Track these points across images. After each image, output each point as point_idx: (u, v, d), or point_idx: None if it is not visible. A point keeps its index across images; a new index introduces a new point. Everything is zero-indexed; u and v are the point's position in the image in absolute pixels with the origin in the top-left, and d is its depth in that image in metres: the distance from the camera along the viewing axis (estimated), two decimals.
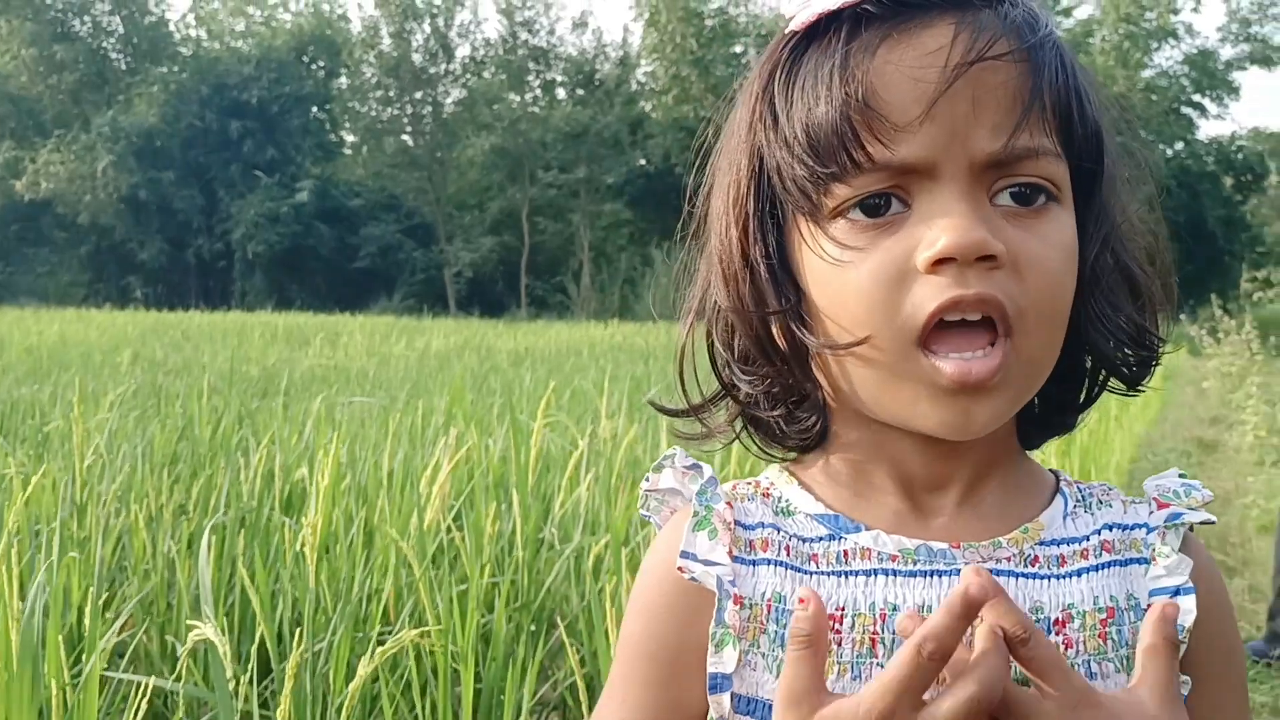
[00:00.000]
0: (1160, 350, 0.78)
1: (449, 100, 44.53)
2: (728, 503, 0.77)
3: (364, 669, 1.71)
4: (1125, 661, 0.71)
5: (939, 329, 0.67)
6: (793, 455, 0.82)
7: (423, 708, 2.39)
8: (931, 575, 0.72)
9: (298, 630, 1.95)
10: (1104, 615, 0.72)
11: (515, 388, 8.45)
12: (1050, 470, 0.81)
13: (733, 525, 0.76)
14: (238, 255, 43.51)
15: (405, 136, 44.68)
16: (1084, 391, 0.79)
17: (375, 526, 3.19)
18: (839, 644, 0.71)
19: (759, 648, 0.72)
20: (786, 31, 0.74)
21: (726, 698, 0.72)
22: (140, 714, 1.82)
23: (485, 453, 4.08)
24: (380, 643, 2.64)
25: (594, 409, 5.98)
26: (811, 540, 0.75)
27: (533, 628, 3.00)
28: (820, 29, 0.71)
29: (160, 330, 18.41)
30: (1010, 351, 0.67)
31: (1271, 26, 37.40)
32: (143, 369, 10.28)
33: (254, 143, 44.23)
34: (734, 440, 0.82)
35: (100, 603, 2.64)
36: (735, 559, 0.74)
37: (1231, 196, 39.05)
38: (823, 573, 0.73)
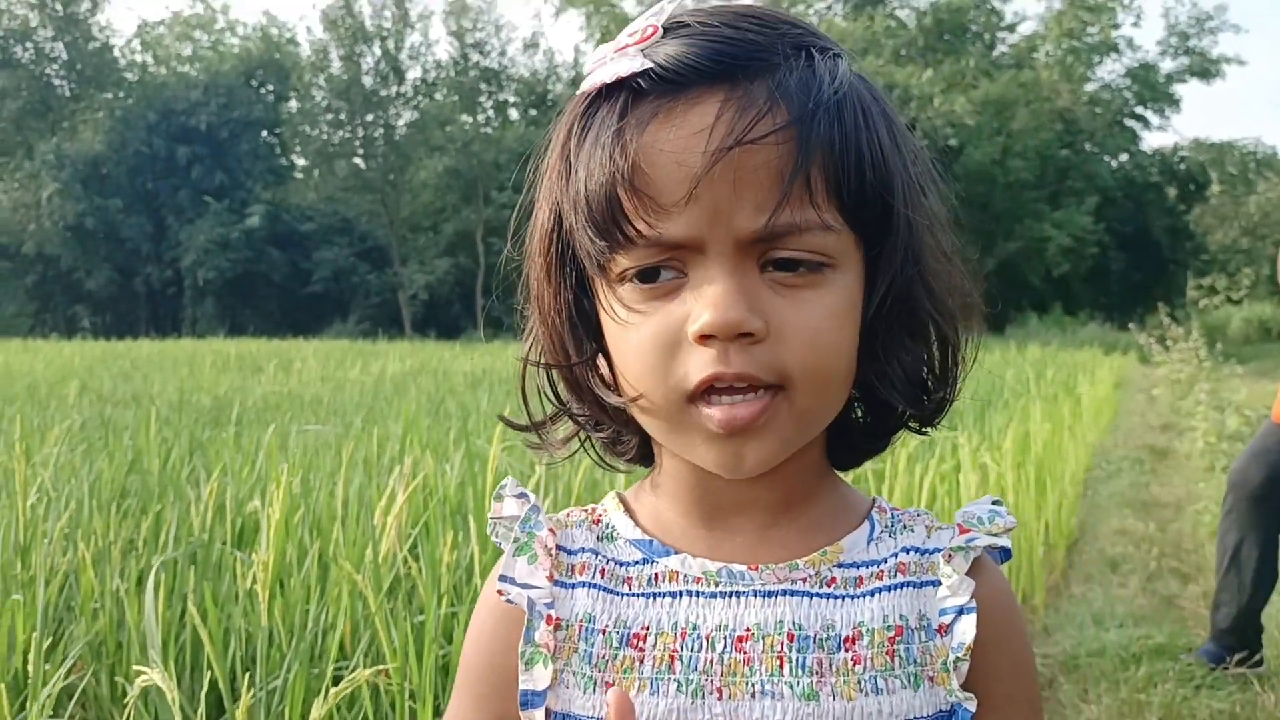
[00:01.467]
0: (949, 396, 0.80)
1: (401, 122, 44.38)
2: (550, 529, 0.81)
3: (318, 711, 1.67)
4: (912, 679, 0.75)
5: (710, 389, 0.71)
6: (630, 467, 0.86)
7: None
8: (731, 596, 0.76)
9: (251, 669, 1.90)
10: (892, 633, 0.75)
11: (472, 411, 8.38)
12: (872, 498, 0.84)
13: (554, 551, 0.80)
14: (188, 282, 43.01)
15: (357, 159, 44.43)
16: (888, 421, 0.81)
17: (330, 559, 3.13)
18: (641, 661, 0.75)
19: (571, 666, 0.77)
20: (579, 93, 0.76)
21: (540, 714, 0.77)
22: None
23: (442, 479, 4.03)
24: (336, 679, 2.59)
25: None
26: (628, 564, 0.79)
27: None
28: (607, 92, 0.73)
29: (109, 360, 18.09)
30: (779, 402, 0.71)
31: (1209, 40, 38.17)
32: (90, 401, 10.09)
33: (203, 168, 43.77)
34: (575, 454, 0.86)
35: (46, 646, 2.57)
36: (556, 583, 0.79)
37: (1175, 206, 39.84)
38: (634, 594, 0.78)
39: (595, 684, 0.75)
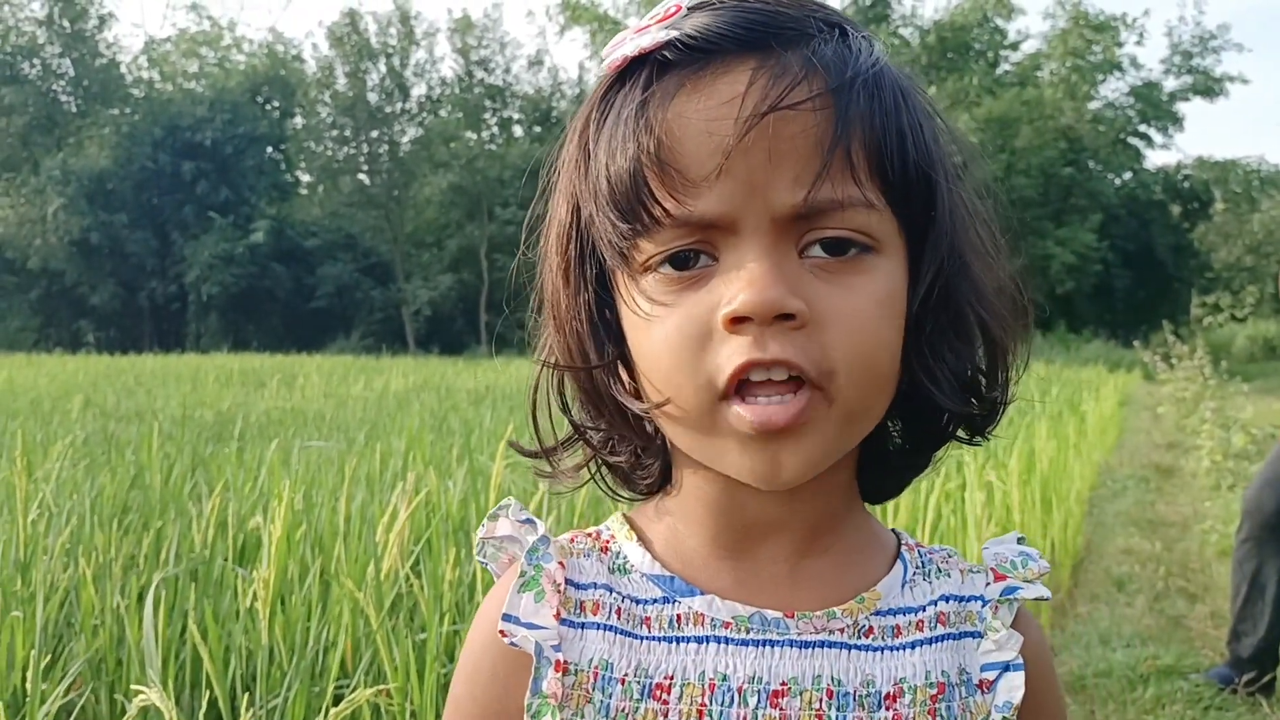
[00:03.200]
0: (1001, 399, 0.74)
1: (405, 139, 44.51)
2: (559, 561, 0.74)
3: None
4: None
5: (746, 383, 0.64)
6: (642, 497, 0.79)
7: None
8: (764, 645, 0.70)
9: (251, 687, 1.88)
10: (934, 691, 0.70)
11: (475, 427, 8.36)
12: (892, 530, 0.78)
13: (563, 586, 0.73)
14: (192, 297, 43.07)
15: (362, 175, 44.54)
16: (932, 432, 0.75)
17: (331, 576, 3.12)
18: (665, 715, 0.68)
19: (583, 718, 0.69)
20: (599, 74, 0.72)
21: None
22: None
23: (444, 496, 4.02)
24: (337, 698, 2.57)
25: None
26: (645, 602, 0.72)
27: None
28: (629, 72, 0.68)
29: (112, 375, 18.10)
30: (818, 402, 0.64)
31: (1212, 59, 38.26)
32: (93, 416, 10.08)
33: (208, 184, 43.85)
34: (587, 483, 0.79)
35: (45, 664, 2.55)
36: (564, 621, 0.71)
37: (1179, 224, 39.87)
38: (654, 638, 0.70)
39: None
